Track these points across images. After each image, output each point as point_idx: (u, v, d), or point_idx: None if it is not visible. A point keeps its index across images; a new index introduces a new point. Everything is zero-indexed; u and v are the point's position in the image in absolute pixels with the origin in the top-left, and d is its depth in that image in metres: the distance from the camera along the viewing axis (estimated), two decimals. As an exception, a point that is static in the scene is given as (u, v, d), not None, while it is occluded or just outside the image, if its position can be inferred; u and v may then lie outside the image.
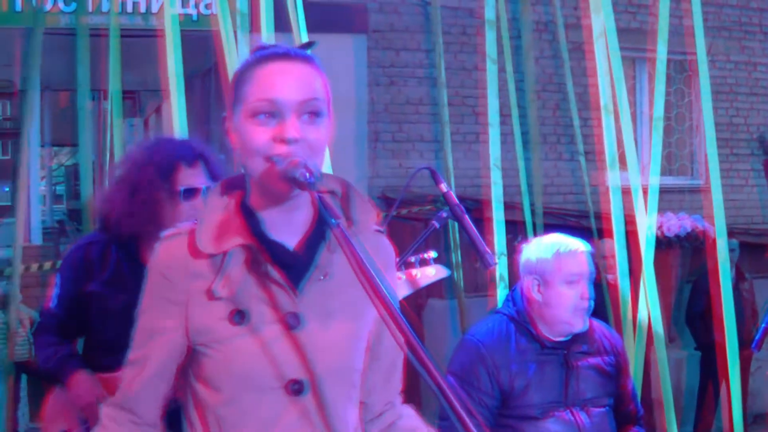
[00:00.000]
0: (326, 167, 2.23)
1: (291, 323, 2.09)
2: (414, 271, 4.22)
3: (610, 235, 5.59)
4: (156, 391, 2.20)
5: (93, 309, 3.82)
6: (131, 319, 3.77)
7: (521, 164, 8.31)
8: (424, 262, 4.18)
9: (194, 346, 2.13)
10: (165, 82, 5.07)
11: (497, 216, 5.84)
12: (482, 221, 7.32)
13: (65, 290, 3.87)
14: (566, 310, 3.80)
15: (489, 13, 6.10)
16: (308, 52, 2.19)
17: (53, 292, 3.91)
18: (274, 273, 2.09)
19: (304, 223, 2.17)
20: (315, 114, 2.08)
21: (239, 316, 2.08)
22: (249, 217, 2.15)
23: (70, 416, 3.83)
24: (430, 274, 4.21)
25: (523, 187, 7.36)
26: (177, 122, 4.93)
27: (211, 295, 2.09)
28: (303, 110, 2.06)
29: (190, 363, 2.17)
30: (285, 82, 2.07)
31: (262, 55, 2.14)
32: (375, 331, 2.26)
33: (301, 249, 2.15)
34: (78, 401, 3.73)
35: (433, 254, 4.19)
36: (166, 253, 2.17)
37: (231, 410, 2.09)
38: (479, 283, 8.84)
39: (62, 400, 3.87)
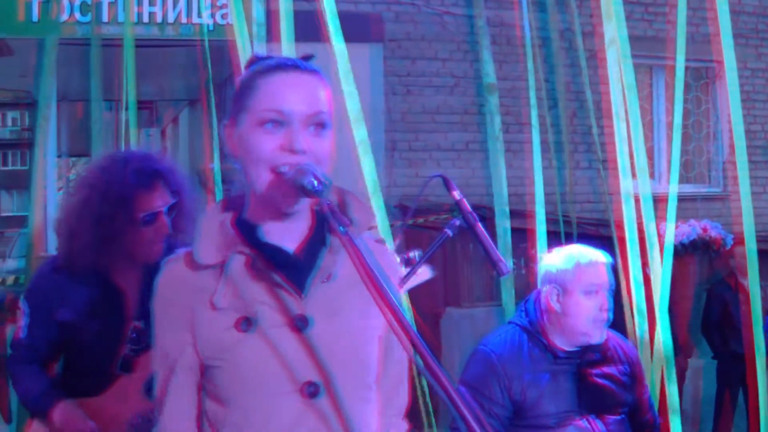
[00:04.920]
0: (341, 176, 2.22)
1: (299, 325, 2.08)
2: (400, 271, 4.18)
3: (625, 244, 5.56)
4: (187, 421, 2.18)
5: (67, 338, 3.72)
6: (107, 343, 3.73)
7: (538, 172, 8.28)
8: (408, 262, 4.14)
9: (205, 362, 2.12)
10: (199, 90, 5.10)
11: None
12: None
13: (35, 319, 3.75)
14: (585, 320, 3.80)
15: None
16: (313, 65, 2.20)
17: (22, 321, 3.79)
18: (276, 276, 2.09)
19: (302, 231, 2.18)
20: (321, 126, 2.11)
21: (246, 323, 2.07)
22: (245, 228, 2.16)
23: None
24: (416, 273, 4.17)
25: (538, 196, 7.32)
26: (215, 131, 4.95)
27: (213, 306, 2.09)
28: (310, 122, 2.09)
29: (203, 382, 2.17)
30: (294, 93, 2.10)
31: (269, 65, 2.16)
32: (385, 339, 2.24)
33: (301, 253, 2.15)
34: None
35: (418, 253, 4.16)
36: (167, 277, 2.18)
37: (248, 421, 2.08)
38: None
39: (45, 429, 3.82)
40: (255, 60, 2.21)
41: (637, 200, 5.53)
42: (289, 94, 2.09)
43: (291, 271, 2.12)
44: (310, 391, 2.07)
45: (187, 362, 2.14)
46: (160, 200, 3.65)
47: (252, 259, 2.11)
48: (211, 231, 2.16)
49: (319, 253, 2.15)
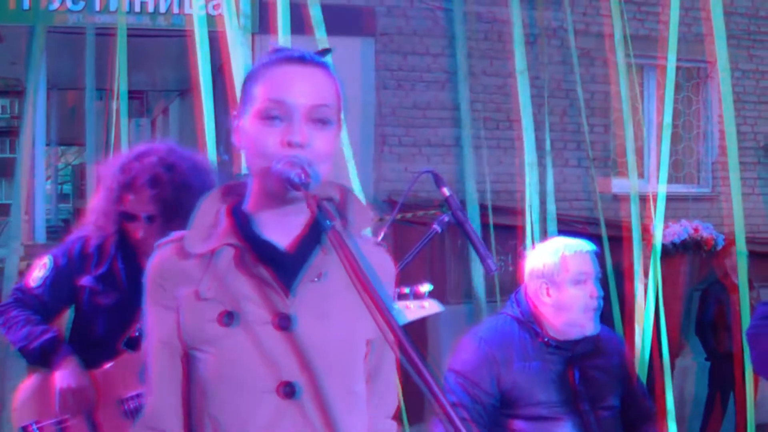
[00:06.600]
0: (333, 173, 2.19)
1: (282, 324, 2.06)
2: (407, 303, 4.20)
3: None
4: (174, 402, 2.17)
5: (83, 303, 3.82)
6: (121, 317, 3.79)
7: (528, 169, 8.29)
8: (418, 296, 4.16)
9: (188, 350, 2.11)
10: (190, 81, 5.10)
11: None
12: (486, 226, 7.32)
13: (56, 277, 3.87)
14: (577, 310, 3.82)
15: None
16: (325, 58, 2.17)
17: (40, 273, 3.89)
18: (264, 272, 2.07)
19: (298, 226, 2.15)
20: (324, 121, 2.08)
21: (228, 317, 2.05)
22: (240, 219, 2.13)
23: (42, 407, 3.81)
24: (423, 307, 4.19)
25: (530, 193, 7.34)
26: (206, 121, 4.96)
27: (198, 296, 2.07)
28: (312, 116, 2.06)
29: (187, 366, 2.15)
30: (297, 85, 2.06)
31: (277, 57, 2.13)
32: (377, 340, 2.21)
33: (293, 249, 2.13)
34: (66, 384, 3.71)
35: (428, 287, 4.18)
36: (158, 261, 2.17)
37: (226, 415, 2.07)
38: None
39: (35, 390, 3.85)
40: (271, 51, 2.18)
41: (624, 199, 5.55)
42: (290, 85, 2.06)
43: (280, 268, 2.10)
44: (287, 391, 2.05)
45: (172, 344, 2.13)
46: (141, 206, 3.75)
47: (241, 252, 2.09)
48: (205, 219, 2.15)
49: (311, 251, 2.13)
